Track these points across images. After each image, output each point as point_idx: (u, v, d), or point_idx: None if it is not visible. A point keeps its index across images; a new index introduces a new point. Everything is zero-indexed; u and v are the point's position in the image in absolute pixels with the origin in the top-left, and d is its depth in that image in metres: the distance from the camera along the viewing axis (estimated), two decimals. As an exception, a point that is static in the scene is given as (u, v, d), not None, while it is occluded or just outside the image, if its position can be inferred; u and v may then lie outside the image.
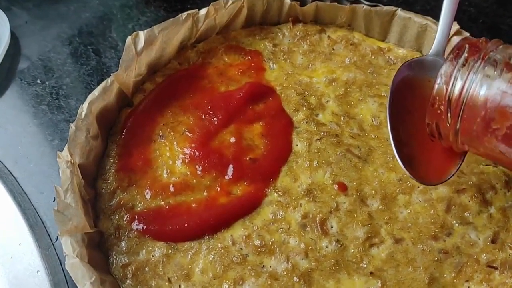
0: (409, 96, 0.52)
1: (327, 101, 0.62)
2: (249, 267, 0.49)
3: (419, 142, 0.51)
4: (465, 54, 0.44)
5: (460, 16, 0.74)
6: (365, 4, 0.66)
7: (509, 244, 0.51)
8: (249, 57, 0.66)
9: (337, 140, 0.58)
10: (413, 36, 0.65)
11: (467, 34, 0.62)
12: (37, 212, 0.56)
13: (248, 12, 0.67)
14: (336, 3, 0.68)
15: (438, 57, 0.53)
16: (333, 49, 0.68)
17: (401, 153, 0.49)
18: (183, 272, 0.49)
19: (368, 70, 0.65)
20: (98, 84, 0.57)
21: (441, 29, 0.53)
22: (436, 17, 0.64)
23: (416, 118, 0.51)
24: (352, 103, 0.62)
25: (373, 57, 0.67)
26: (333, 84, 0.63)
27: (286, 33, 0.69)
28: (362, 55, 0.67)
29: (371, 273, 0.49)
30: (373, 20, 0.67)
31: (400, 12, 0.65)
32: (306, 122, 0.59)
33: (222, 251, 0.50)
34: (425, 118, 0.47)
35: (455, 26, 0.61)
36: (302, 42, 0.68)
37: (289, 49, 0.68)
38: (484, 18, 0.77)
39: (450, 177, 0.49)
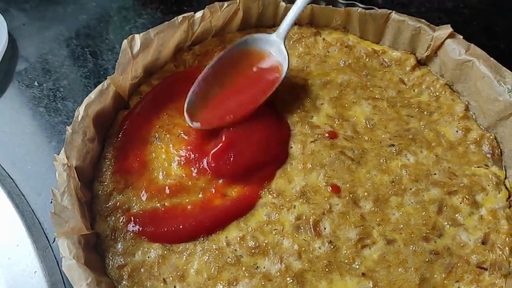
0: (239, 62, 0.62)
1: (322, 104, 0.63)
2: (243, 268, 0.50)
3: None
4: None
5: (455, 18, 0.75)
6: (360, 7, 0.67)
7: (499, 246, 0.51)
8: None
9: (331, 143, 0.58)
10: (407, 38, 0.66)
11: (460, 37, 0.62)
12: (34, 214, 0.57)
13: (243, 15, 0.68)
14: (331, 6, 0.68)
15: (279, 38, 0.62)
16: (328, 51, 0.68)
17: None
18: (178, 273, 0.50)
19: (362, 72, 0.66)
20: (95, 86, 0.58)
21: (288, 19, 0.62)
22: (431, 19, 0.65)
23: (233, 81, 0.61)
24: (346, 105, 0.62)
25: (367, 60, 0.68)
26: (328, 86, 0.64)
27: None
28: (356, 58, 0.68)
29: (363, 273, 0.50)
30: (368, 23, 0.67)
31: (394, 15, 0.66)
32: (301, 125, 0.60)
33: (217, 252, 0.51)
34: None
35: (448, 29, 0.62)
36: (297, 45, 0.69)
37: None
38: (479, 20, 0.77)
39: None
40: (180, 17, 0.63)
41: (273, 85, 0.60)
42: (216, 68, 0.61)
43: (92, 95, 0.57)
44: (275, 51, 0.62)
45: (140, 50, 0.60)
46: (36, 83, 0.71)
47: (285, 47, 0.61)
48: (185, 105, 0.58)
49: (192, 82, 0.64)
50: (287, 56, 0.61)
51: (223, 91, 0.60)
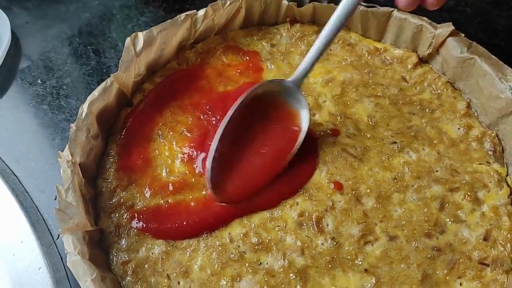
0: (254, 112, 0.55)
1: (324, 101, 0.63)
2: (247, 264, 0.50)
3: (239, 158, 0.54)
4: None
5: (456, 16, 0.75)
6: (361, 5, 0.67)
7: (501, 242, 0.52)
8: (247, 58, 0.67)
9: (333, 140, 0.59)
10: (408, 36, 0.66)
11: (462, 35, 0.62)
12: (38, 210, 0.57)
13: (246, 13, 0.68)
14: (333, 4, 0.68)
15: (295, 86, 0.56)
16: (330, 49, 0.68)
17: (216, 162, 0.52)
18: (182, 269, 0.50)
19: (364, 70, 0.66)
20: (98, 84, 0.58)
21: (305, 64, 0.55)
22: (433, 17, 0.65)
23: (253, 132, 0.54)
24: (349, 103, 0.63)
25: (369, 58, 0.68)
26: (330, 84, 0.64)
27: (284, 34, 0.70)
28: (358, 56, 0.68)
29: (366, 270, 0.50)
30: (370, 21, 0.68)
31: (396, 13, 0.66)
32: (303, 122, 0.60)
33: (220, 248, 0.51)
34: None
35: (450, 27, 0.62)
36: (299, 43, 0.69)
37: (287, 50, 0.68)
38: (480, 18, 0.77)
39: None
40: (182, 15, 0.63)
41: (295, 139, 0.54)
42: (230, 126, 0.52)
43: (95, 92, 0.57)
44: (292, 99, 0.56)
45: (143, 48, 0.60)
46: (39, 81, 0.71)
47: (303, 95, 0.56)
48: (207, 179, 0.52)
49: (194, 80, 0.64)
50: (307, 106, 0.55)
51: (243, 153, 0.54)
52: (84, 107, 0.55)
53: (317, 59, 0.54)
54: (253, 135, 0.55)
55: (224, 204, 0.53)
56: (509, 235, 0.52)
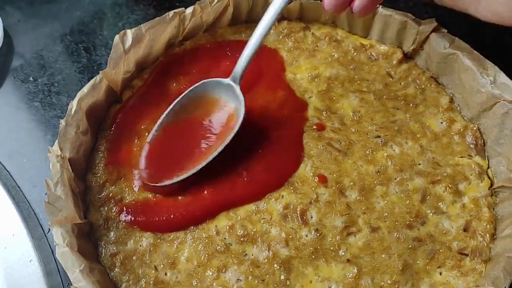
0: (195, 110, 0.58)
1: (310, 97, 0.64)
2: (232, 255, 0.52)
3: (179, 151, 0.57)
4: None
5: (440, 12, 0.76)
6: (347, 1, 0.68)
7: (480, 232, 0.53)
8: (236, 55, 0.68)
9: (318, 134, 0.60)
10: (393, 33, 0.67)
11: (445, 30, 0.64)
12: (30, 205, 0.59)
13: (234, 10, 0.69)
14: (319, 1, 0.69)
15: (233, 83, 0.58)
16: (317, 46, 0.70)
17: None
18: (169, 261, 0.52)
19: (350, 66, 0.67)
20: (89, 81, 0.59)
21: (242, 59, 0.57)
22: (418, 14, 0.66)
23: (192, 130, 0.57)
24: (334, 98, 0.64)
25: (355, 54, 0.69)
26: (316, 80, 0.65)
27: (271, 31, 0.71)
28: (345, 52, 0.69)
29: (348, 260, 0.51)
30: (356, 18, 0.69)
31: (381, 10, 0.67)
32: (289, 117, 0.61)
33: (207, 240, 0.53)
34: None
35: (433, 23, 0.63)
36: (286, 39, 0.70)
37: (274, 46, 0.69)
38: (464, 14, 0.78)
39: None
40: (171, 13, 0.64)
41: (228, 134, 0.56)
42: (170, 119, 0.57)
43: (85, 89, 0.58)
44: (230, 95, 0.58)
45: (131, 45, 0.61)
46: (31, 79, 0.72)
47: (241, 91, 0.57)
48: (142, 160, 0.56)
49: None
50: (243, 101, 0.57)
51: (180, 148, 0.57)
52: (74, 103, 0.56)
53: (252, 56, 0.57)
54: (192, 132, 0.57)
55: (157, 193, 0.55)
56: (488, 226, 0.53)
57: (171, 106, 0.58)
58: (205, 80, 0.59)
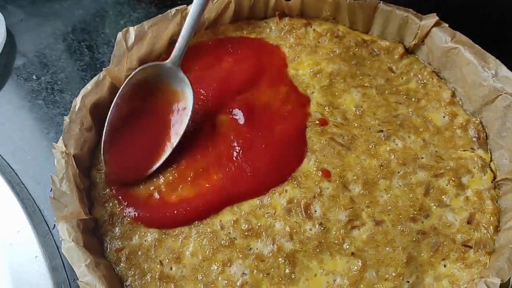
0: (141, 97, 0.58)
1: (312, 92, 0.64)
2: (237, 250, 0.52)
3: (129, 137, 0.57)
4: None
5: (441, 7, 0.76)
6: (349, -3, 0.69)
7: (484, 225, 0.53)
8: (238, 52, 0.68)
9: (321, 129, 0.60)
10: (395, 28, 0.68)
11: (446, 25, 0.64)
12: (34, 201, 0.59)
13: (235, 7, 0.69)
14: (320, -3, 0.70)
15: (174, 65, 0.58)
16: (318, 42, 0.70)
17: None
18: (174, 255, 0.52)
19: (352, 61, 0.67)
20: (92, 78, 0.59)
21: (180, 41, 0.58)
22: (419, 9, 0.67)
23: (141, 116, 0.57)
24: (336, 93, 0.64)
25: (357, 49, 0.69)
26: (318, 75, 0.66)
27: (273, 27, 0.71)
28: (346, 47, 0.69)
29: (352, 253, 0.52)
30: (357, 13, 0.69)
31: (382, 5, 0.67)
32: (292, 112, 0.61)
33: (211, 235, 0.53)
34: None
35: (434, 18, 0.64)
36: (288, 36, 0.70)
37: (276, 43, 0.70)
38: (464, 8, 0.78)
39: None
40: (173, 10, 0.64)
41: (183, 119, 0.56)
42: (117, 109, 0.56)
43: (88, 86, 0.58)
44: (174, 80, 0.58)
45: (134, 42, 0.61)
46: (34, 77, 0.72)
47: (184, 74, 0.57)
48: (102, 149, 0.55)
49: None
50: (189, 84, 0.56)
51: (134, 135, 0.57)
52: (77, 100, 0.57)
53: (189, 38, 0.58)
54: (143, 119, 0.57)
55: (119, 180, 0.56)
56: (492, 218, 0.54)
57: (113, 102, 0.56)
58: (143, 66, 0.58)
